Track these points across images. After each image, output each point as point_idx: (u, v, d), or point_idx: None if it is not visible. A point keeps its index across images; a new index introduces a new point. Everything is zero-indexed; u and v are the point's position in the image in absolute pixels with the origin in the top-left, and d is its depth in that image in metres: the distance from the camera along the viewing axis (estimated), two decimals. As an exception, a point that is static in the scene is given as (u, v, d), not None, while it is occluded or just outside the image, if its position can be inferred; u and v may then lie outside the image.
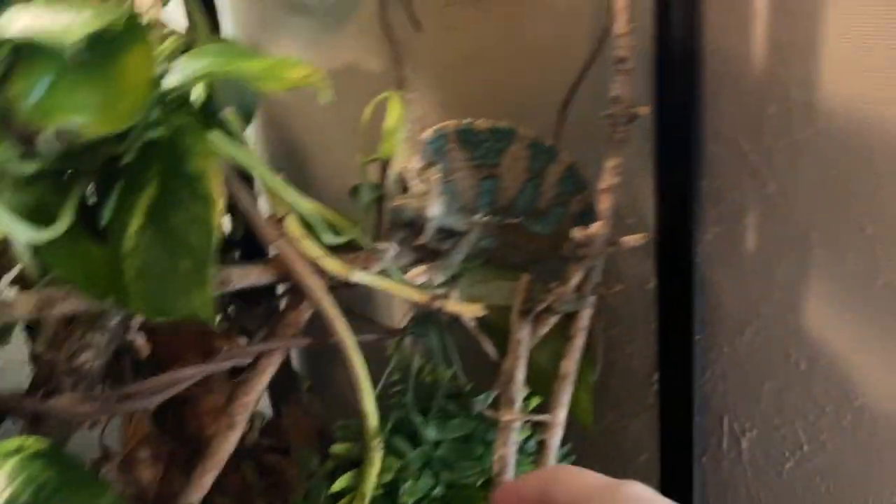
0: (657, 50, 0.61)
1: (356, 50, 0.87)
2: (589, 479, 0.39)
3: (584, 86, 0.68)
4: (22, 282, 0.67)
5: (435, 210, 0.56)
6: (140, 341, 0.62)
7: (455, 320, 0.67)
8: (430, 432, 0.63)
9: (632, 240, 0.57)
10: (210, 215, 0.42)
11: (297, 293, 0.62)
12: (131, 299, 0.45)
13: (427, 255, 0.67)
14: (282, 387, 0.87)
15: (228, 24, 0.98)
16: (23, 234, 0.42)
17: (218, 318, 0.75)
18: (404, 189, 0.55)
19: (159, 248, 0.44)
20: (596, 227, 0.56)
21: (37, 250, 0.45)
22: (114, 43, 0.31)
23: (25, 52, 0.30)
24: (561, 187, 0.63)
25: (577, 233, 0.56)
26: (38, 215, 0.47)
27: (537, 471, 0.43)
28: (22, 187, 0.47)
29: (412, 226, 0.59)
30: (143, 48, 0.31)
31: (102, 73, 0.31)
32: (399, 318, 0.95)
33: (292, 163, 1.03)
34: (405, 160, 0.54)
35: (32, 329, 0.65)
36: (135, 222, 0.46)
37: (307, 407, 0.87)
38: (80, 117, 0.29)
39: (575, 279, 0.60)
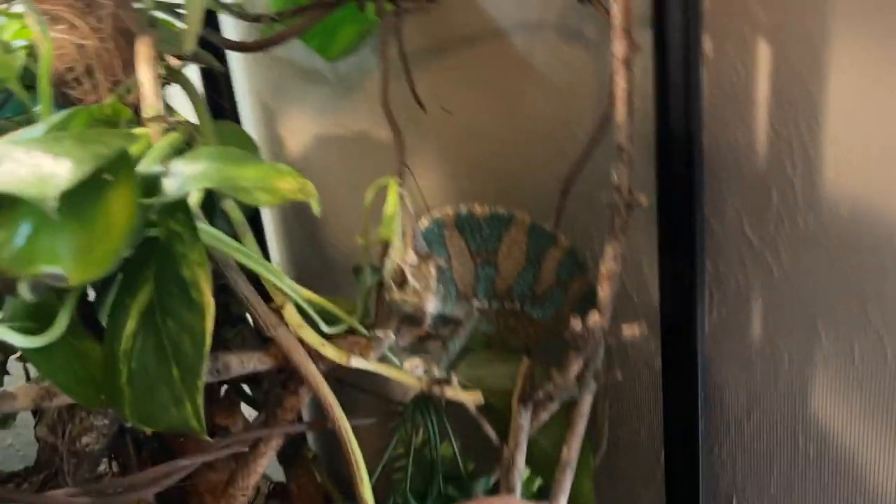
0: (658, 136, 0.61)
1: (364, 120, 0.88)
2: None
3: (586, 165, 0.68)
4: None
5: (432, 306, 0.56)
6: (143, 419, 0.62)
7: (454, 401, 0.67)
8: (429, 518, 0.63)
9: (631, 331, 0.57)
10: (202, 325, 0.42)
11: (296, 378, 0.62)
12: (123, 405, 0.45)
13: (426, 336, 0.67)
14: (290, 451, 0.87)
15: (243, 88, 0.99)
16: (16, 341, 0.42)
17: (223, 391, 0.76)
18: (402, 282, 0.55)
19: (151, 353, 0.45)
20: (594, 319, 0.56)
21: (30, 354, 0.45)
22: (97, 180, 0.32)
23: (5, 200, 0.31)
24: (560, 271, 0.63)
25: (576, 325, 0.56)
26: (36, 316, 0.48)
27: None
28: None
29: (411, 319, 0.59)
30: (126, 187, 0.32)
31: (83, 217, 0.31)
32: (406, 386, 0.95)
33: (301, 223, 1.04)
34: (402, 251, 0.55)
35: (36, 411, 0.66)
36: (130, 324, 0.47)
37: (313, 473, 0.87)
38: (60, 266, 0.30)
39: (575, 367, 0.60)
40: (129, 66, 0.59)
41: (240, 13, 0.70)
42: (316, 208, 0.44)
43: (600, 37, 0.66)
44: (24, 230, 0.30)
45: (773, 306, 0.63)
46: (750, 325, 0.65)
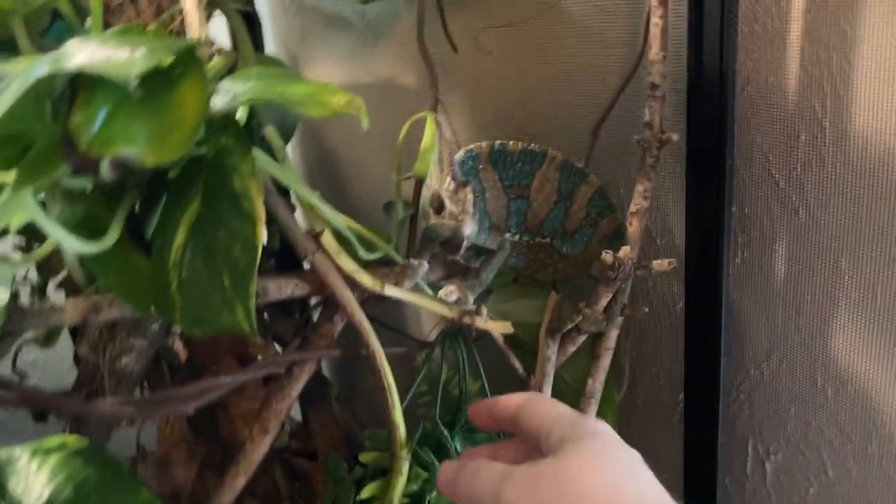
0: (691, 77, 0.62)
1: (393, 66, 0.89)
2: (560, 408, 0.43)
3: (616, 110, 0.69)
4: (67, 286, 0.70)
5: (469, 229, 0.58)
6: (178, 346, 0.64)
7: (483, 335, 0.68)
8: (457, 445, 0.65)
9: (661, 264, 0.58)
10: (253, 232, 0.44)
11: (330, 306, 0.64)
12: (174, 311, 0.47)
13: (457, 271, 0.68)
14: (311, 392, 0.89)
15: (268, 38, 1.00)
16: (73, 247, 0.44)
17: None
18: (440, 208, 0.57)
19: (201, 262, 0.46)
20: (625, 252, 0.57)
21: (85, 261, 0.47)
22: (168, 74, 0.33)
23: (84, 84, 0.32)
24: (590, 209, 0.64)
25: (607, 256, 0.57)
26: (87, 227, 0.49)
27: (514, 394, 0.47)
28: (72, 200, 0.50)
29: (447, 244, 0.60)
30: (196, 80, 0.33)
31: (157, 105, 0.32)
32: (427, 328, 0.97)
33: (326, 176, 1.05)
34: (440, 180, 0.56)
35: (76, 330, 0.68)
36: (179, 237, 0.48)
37: (335, 413, 0.89)
38: (136, 148, 0.31)
39: (603, 301, 0.61)
40: (172, -7, 0.60)
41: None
42: (365, 123, 0.45)
43: (634, -21, 0.67)
44: (101, 114, 0.32)
45: (797, 248, 0.65)
46: (773, 267, 0.66)
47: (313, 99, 0.45)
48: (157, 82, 0.32)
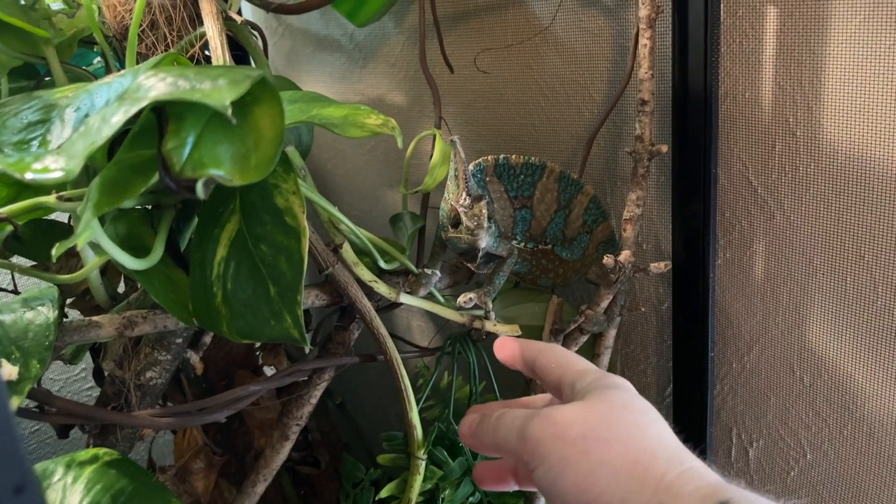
0: (676, 93, 0.67)
1: (383, 86, 0.93)
2: (585, 363, 0.46)
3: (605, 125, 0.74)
4: (80, 305, 0.72)
5: (484, 242, 0.61)
6: (195, 359, 0.66)
7: (487, 338, 0.72)
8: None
9: (658, 267, 0.63)
10: (298, 246, 0.47)
11: (347, 315, 0.67)
12: (220, 322, 0.49)
13: (462, 278, 0.72)
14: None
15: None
16: (126, 264, 0.46)
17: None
18: (457, 223, 0.60)
19: (246, 275, 0.49)
20: (625, 255, 0.62)
21: (133, 275, 0.49)
22: (241, 101, 0.36)
23: (172, 112, 0.35)
24: (587, 216, 0.69)
25: (609, 260, 0.62)
26: (129, 244, 0.52)
27: (540, 342, 0.49)
28: (115, 220, 0.52)
29: (465, 254, 0.64)
30: (272, 105, 0.36)
31: (236, 129, 0.35)
32: (417, 337, 1.01)
33: (319, 189, 1.08)
34: (456, 195, 0.59)
35: (96, 348, 0.70)
36: (220, 251, 0.51)
37: (336, 421, 0.92)
38: (224, 169, 0.34)
39: (604, 302, 0.66)
40: (191, 21, 0.63)
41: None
42: (399, 142, 0.48)
43: (617, 3, 0.72)
44: (190, 139, 0.34)
45: (774, 249, 0.70)
46: (753, 266, 0.72)
47: (350, 121, 0.48)
48: (236, 108, 0.35)
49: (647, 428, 0.40)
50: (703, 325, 0.73)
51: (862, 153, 0.63)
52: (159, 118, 0.35)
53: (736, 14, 0.65)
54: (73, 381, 1.08)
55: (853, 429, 0.71)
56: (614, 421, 0.40)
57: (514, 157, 0.66)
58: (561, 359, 0.46)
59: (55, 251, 0.36)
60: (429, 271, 0.64)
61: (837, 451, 0.72)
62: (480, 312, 0.67)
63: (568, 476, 0.38)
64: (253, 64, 0.69)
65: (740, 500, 0.35)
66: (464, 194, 0.59)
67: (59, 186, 0.46)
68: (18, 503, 0.27)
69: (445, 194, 0.62)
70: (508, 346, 0.49)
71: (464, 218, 0.59)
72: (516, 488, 0.50)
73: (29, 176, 0.32)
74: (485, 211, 0.59)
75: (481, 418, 0.46)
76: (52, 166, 0.32)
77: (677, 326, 0.76)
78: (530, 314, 0.71)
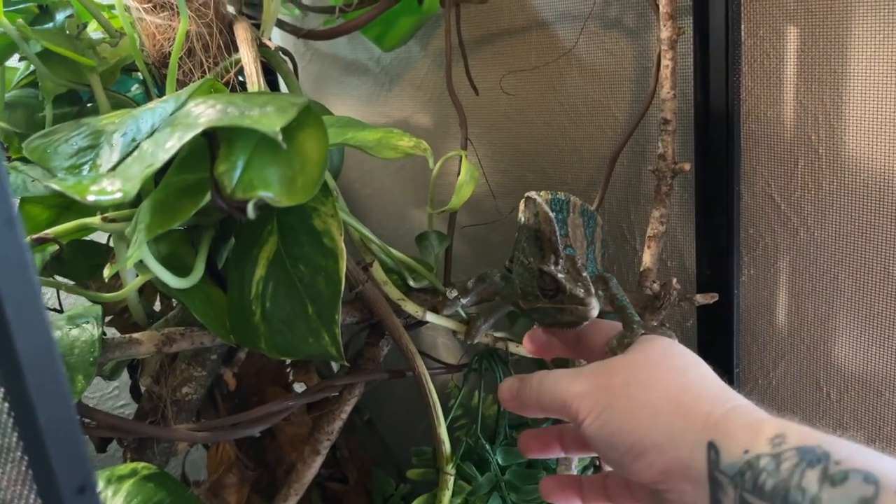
0: (698, 113, 0.69)
1: (409, 108, 0.95)
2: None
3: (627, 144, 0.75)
4: (117, 323, 0.74)
5: (596, 311, 0.48)
6: (228, 375, 0.68)
7: (514, 356, 0.73)
8: (498, 459, 0.69)
9: (704, 298, 0.63)
10: (336, 266, 0.48)
11: (376, 332, 0.69)
12: (258, 339, 0.51)
13: (488, 298, 0.73)
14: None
15: (283, 83, 1.05)
16: (170, 282, 0.48)
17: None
18: (556, 291, 0.48)
19: (284, 294, 0.51)
20: (672, 282, 0.63)
21: (175, 293, 0.51)
22: (290, 125, 0.38)
23: (222, 137, 0.36)
24: (604, 249, 0.68)
25: (655, 286, 0.62)
26: (170, 263, 0.54)
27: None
28: (158, 239, 0.54)
29: (561, 324, 0.51)
30: (317, 131, 0.38)
31: (282, 154, 0.37)
32: (442, 353, 1.02)
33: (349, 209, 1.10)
34: (544, 260, 0.49)
35: (133, 365, 0.72)
36: (258, 271, 0.52)
37: (364, 438, 0.93)
38: (273, 191, 0.36)
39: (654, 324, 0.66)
40: (226, 47, 0.65)
41: (310, 6, 0.76)
42: (431, 163, 0.50)
43: (638, 26, 0.74)
44: (240, 163, 0.36)
45: (798, 265, 0.71)
46: (778, 283, 0.73)
47: (384, 143, 0.50)
48: (282, 133, 0.37)
49: (687, 370, 0.41)
50: (728, 341, 0.74)
51: (885, 169, 0.64)
52: (210, 143, 0.37)
53: (757, 34, 0.67)
54: (106, 398, 1.10)
55: (882, 446, 0.71)
56: (654, 365, 0.41)
57: (542, 193, 0.58)
58: (603, 326, 0.48)
59: (107, 272, 0.38)
60: (453, 292, 0.65)
61: (865, 467, 0.72)
62: (503, 333, 0.68)
63: (613, 422, 0.39)
64: (284, 88, 0.71)
65: (796, 434, 0.35)
66: (552, 256, 0.48)
67: (104, 209, 0.48)
68: (80, 503, 0.29)
69: (519, 256, 0.53)
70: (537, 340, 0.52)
71: (568, 285, 0.47)
72: (563, 455, 0.50)
73: (91, 198, 0.33)
74: (585, 273, 0.48)
75: (521, 381, 0.47)
76: (108, 188, 0.34)
77: (702, 343, 0.76)
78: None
